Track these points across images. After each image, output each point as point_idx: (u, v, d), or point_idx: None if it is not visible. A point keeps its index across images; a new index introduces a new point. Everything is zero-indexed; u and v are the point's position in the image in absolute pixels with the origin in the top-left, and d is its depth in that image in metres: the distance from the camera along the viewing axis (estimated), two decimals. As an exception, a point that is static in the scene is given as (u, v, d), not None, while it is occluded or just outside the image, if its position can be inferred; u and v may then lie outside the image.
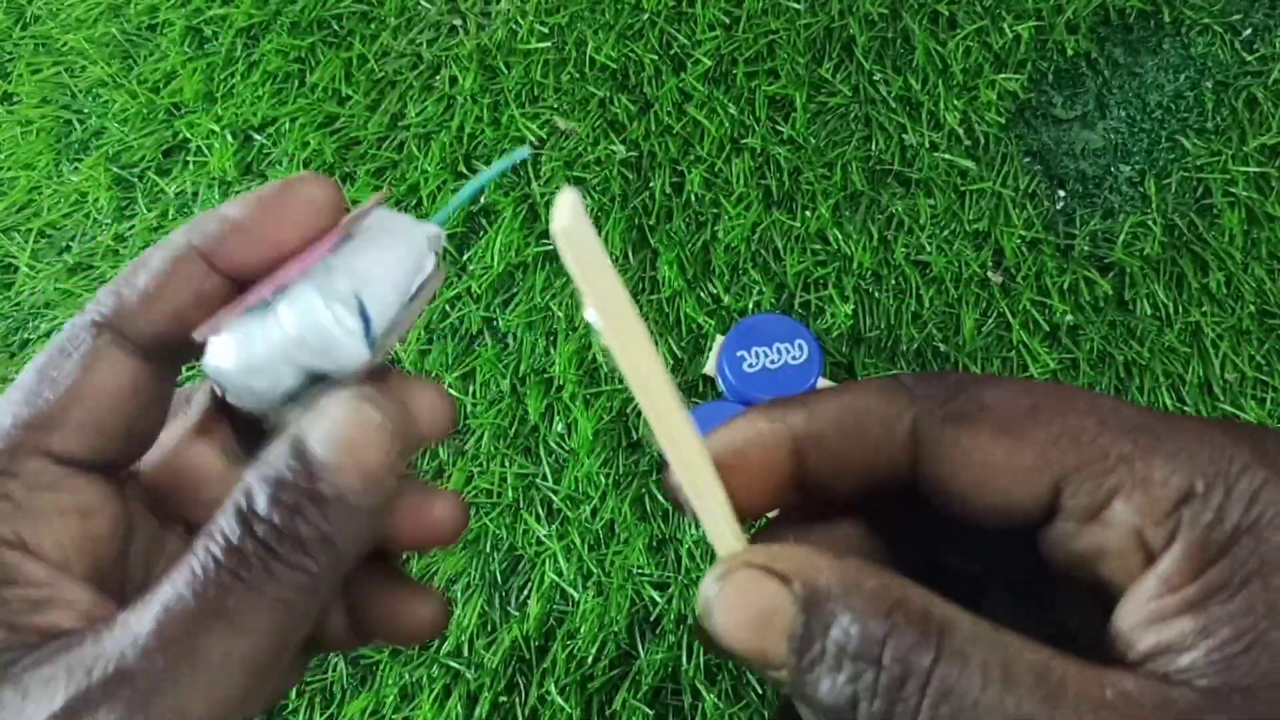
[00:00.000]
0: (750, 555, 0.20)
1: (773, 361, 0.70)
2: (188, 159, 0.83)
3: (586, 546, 0.70)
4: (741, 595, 0.19)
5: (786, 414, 0.22)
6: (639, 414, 0.73)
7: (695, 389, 0.74)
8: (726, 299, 0.75)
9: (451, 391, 0.73)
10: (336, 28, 0.86)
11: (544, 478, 0.71)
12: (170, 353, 0.25)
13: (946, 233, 0.77)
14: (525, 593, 0.69)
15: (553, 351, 0.76)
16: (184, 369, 0.27)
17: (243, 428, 0.27)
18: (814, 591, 0.19)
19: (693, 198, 0.78)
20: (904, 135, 0.80)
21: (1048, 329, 0.74)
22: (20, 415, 0.22)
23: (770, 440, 0.22)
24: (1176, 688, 0.17)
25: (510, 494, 0.71)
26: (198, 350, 0.23)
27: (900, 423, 0.21)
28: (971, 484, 0.20)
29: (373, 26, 0.86)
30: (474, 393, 0.73)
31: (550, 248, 0.77)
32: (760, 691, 0.65)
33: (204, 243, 0.24)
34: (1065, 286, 0.75)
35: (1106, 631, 0.20)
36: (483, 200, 0.79)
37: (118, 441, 0.24)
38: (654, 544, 0.69)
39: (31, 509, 0.22)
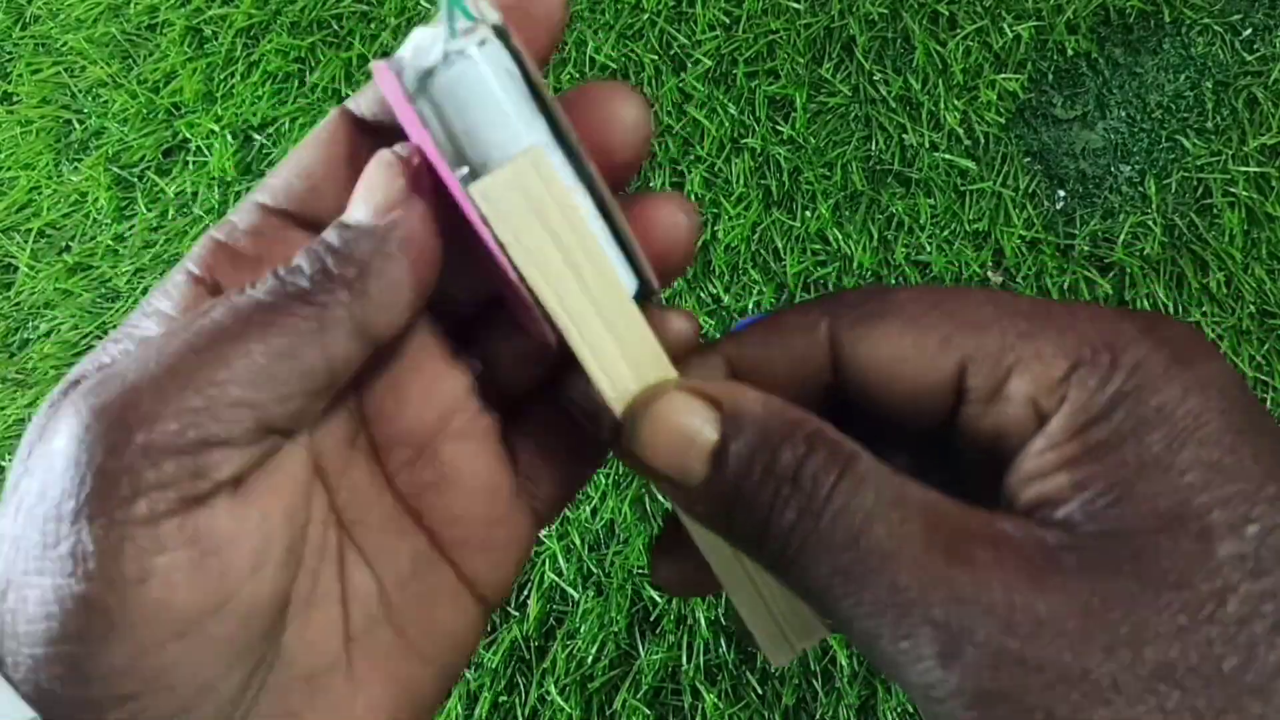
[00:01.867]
0: (683, 381, 0.22)
1: (773, 361, 0.69)
2: (188, 159, 0.83)
3: (586, 546, 0.70)
4: (671, 414, 0.21)
5: (720, 345, 0.24)
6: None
7: (695, 389, 0.74)
8: (726, 299, 0.75)
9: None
10: (336, 28, 0.86)
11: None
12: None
13: (946, 233, 0.77)
14: (525, 593, 0.69)
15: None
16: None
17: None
18: (740, 415, 0.20)
19: (693, 197, 0.78)
20: (904, 135, 0.80)
21: (1048, 329, 0.74)
22: (267, 180, 0.24)
23: (708, 364, 0.24)
24: (1049, 530, 0.18)
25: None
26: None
27: (818, 330, 0.23)
28: (884, 376, 0.21)
29: (373, 26, 0.86)
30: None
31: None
32: (760, 692, 0.65)
33: None
34: (1065, 286, 0.75)
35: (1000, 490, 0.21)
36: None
37: (336, 208, 0.25)
38: (654, 544, 0.69)
39: (240, 249, 0.23)
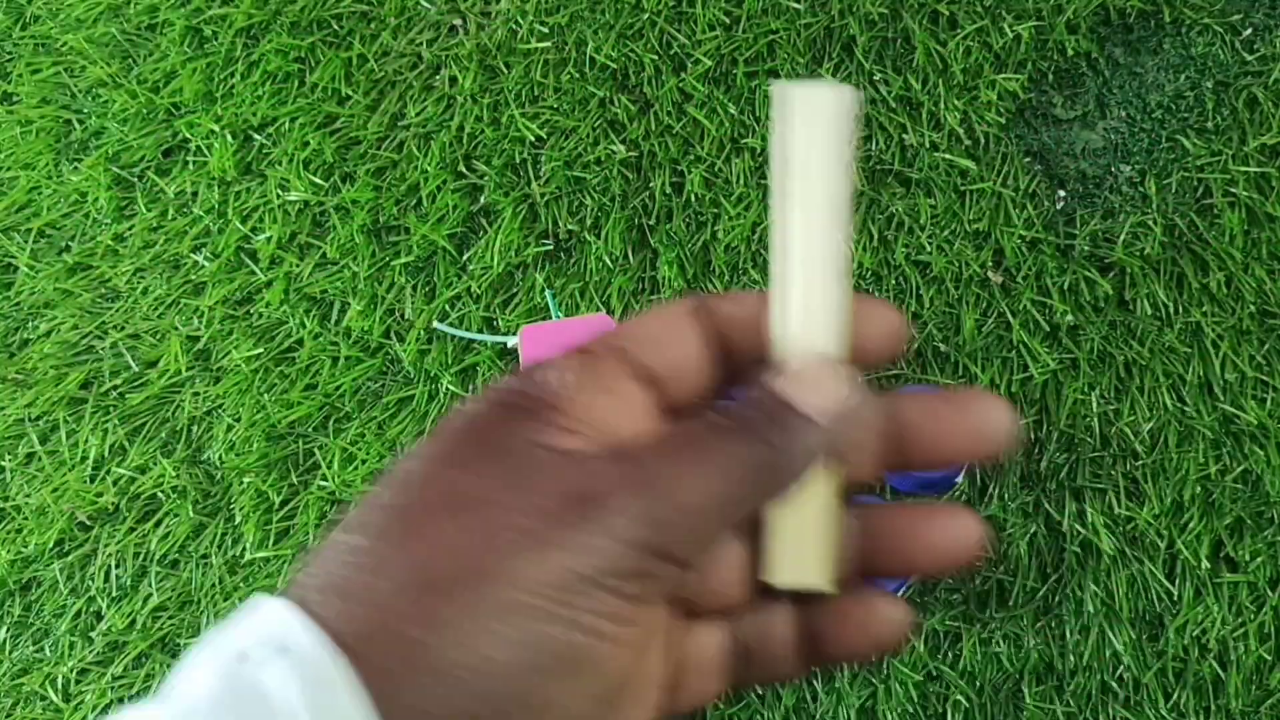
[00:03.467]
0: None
1: (773, 361, 0.69)
2: (187, 159, 0.83)
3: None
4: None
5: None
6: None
7: (695, 389, 0.74)
8: (726, 299, 0.75)
9: (452, 389, 0.73)
10: (336, 28, 0.86)
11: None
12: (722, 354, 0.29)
13: (947, 233, 0.77)
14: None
15: (553, 351, 0.76)
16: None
17: None
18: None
19: (693, 198, 0.78)
20: (904, 135, 0.80)
21: (1048, 329, 0.74)
22: (620, 329, 0.28)
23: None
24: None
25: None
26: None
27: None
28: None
29: (373, 26, 0.86)
30: (475, 392, 0.73)
31: (548, 247, 0.77)
32: (760, 692, 0.65)
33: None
34: (1065, 286, 0.75)
35: None
36: (482, 200, 0.79)
37: (672, 370, 0.28)
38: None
39: (596, 375, 0.26)
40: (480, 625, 0.21)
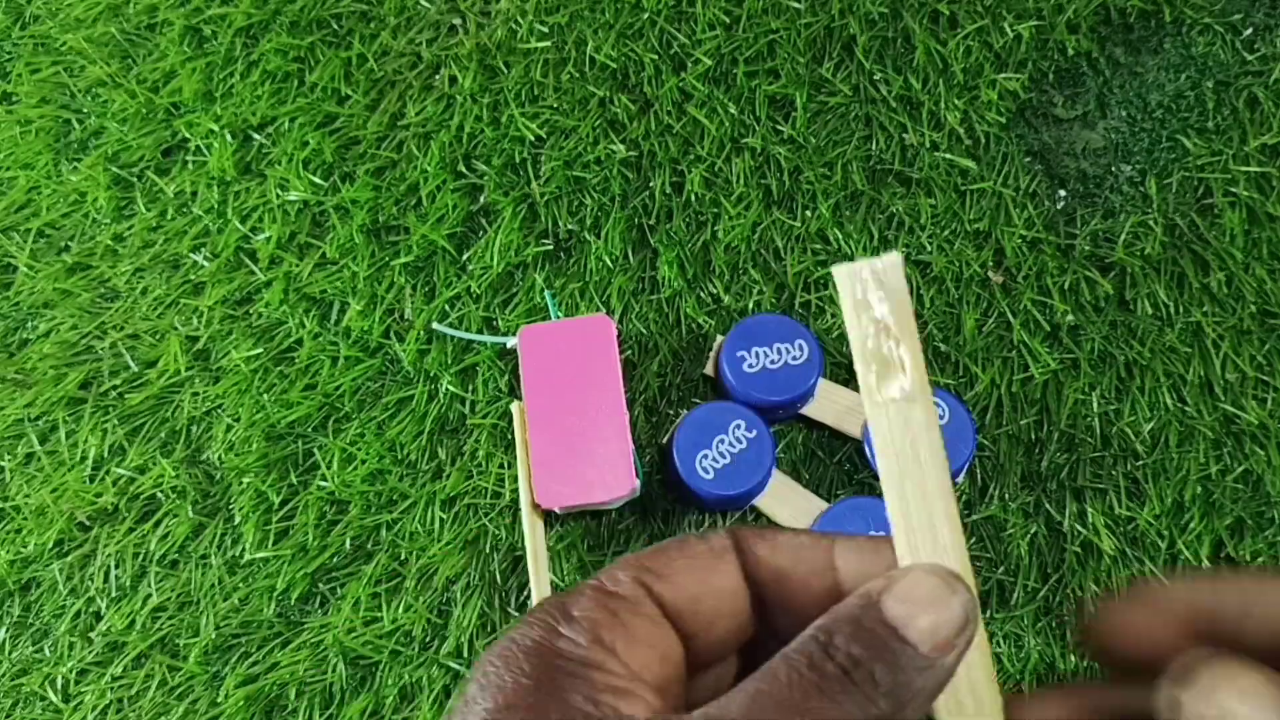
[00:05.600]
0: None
1: (773, 362, 0.69)
2: (187, 159, 0.82)
3: (586, 546, 0.70)
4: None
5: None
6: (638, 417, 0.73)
7: (696, 389, 0.74)
8: (726, 299, 0.75)
9: (451, 389, 0.73)
10: (336, 27, 0.86)
11: (544, 478, 0.71)
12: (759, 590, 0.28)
13: (947, 232, 0.77)
14: (525, 593, 0.69)
15: (552, 351, 0.76)
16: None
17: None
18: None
19: (693, 198, 0.78)
20: (904, 135, 0.80)
21: (1048, 329, 0.74)
22: (646, 559, 0.27)
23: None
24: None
25: (510, 494, 0.71)
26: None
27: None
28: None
29: (372, 26, 0.86)
30: (474, 392, 0.73)
31: (548, 247, 0.77)
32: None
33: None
34: (1066, 286, 0.75)
35: None
36: (482, 200, 0.79)
37: (703, 621, 0.27)
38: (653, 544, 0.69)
39: (629, 627, 0.25)
40: None
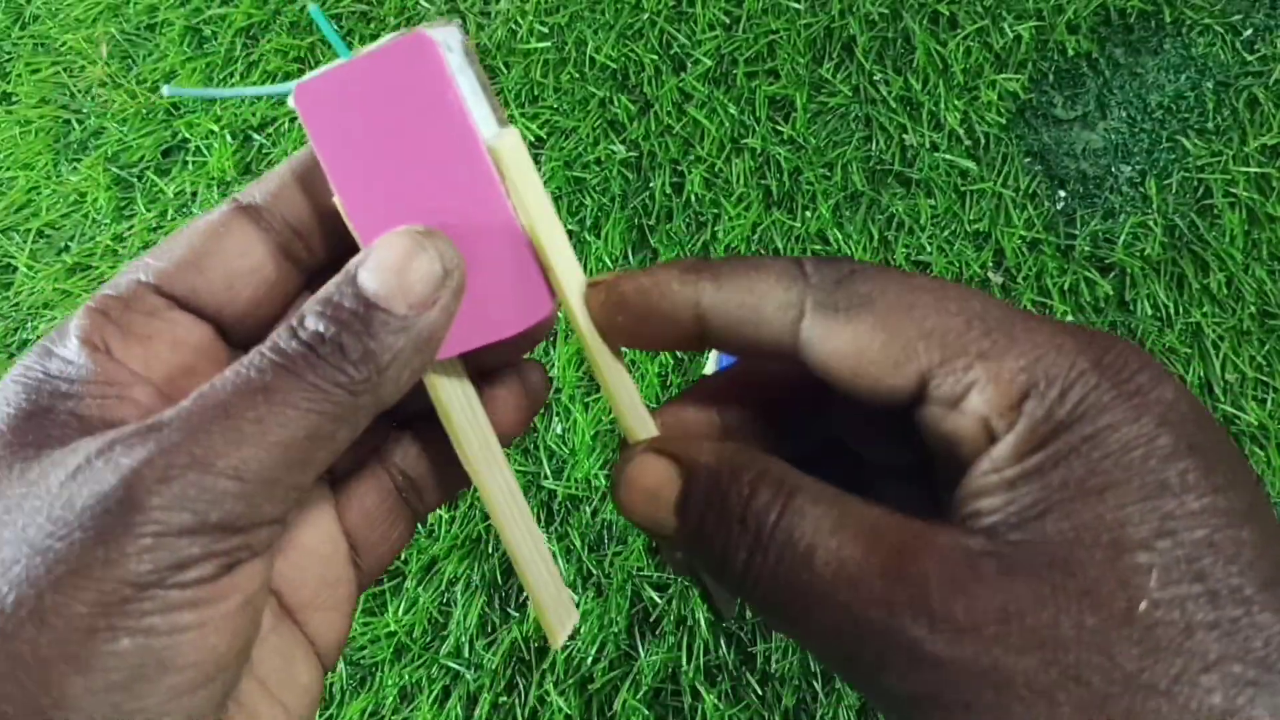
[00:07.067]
0: (647, 442, 0.25)
1: (773, 362, 0.69)
2: (187, 159, 0.82)
3: (586, 547, 0.70)
4: (639, 474, 0.24)
5: (698, 278, 0.25)
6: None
7: (695, 389, 0.74)
8: (726, 299, 0.75)
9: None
10: (336, 28, 0.86)
11: (544, 478, 0.71)
12: (297, 247, 0.27)
13: (947, 233, 0.77)
14: (525, 593, 0.69)
15: (552, 353, 0.76)
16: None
17: None
18: (695, 467, 0.23)
19: (693, 198, 0.78)
20: (904, 135, 0.80)
21: (1048, 329, 0.74)
22: (148, 254, 0.25)
23: (678, 301, 0.25)
24: (973, 536, 0.20)
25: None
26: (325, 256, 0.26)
27: (792, 309, 0.24)
28: (847, 370, 0.23)
29: (372, 26, 0.86)
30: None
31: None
32: (760, 693, 0.65)
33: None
34: (1066, 287, 0.75)
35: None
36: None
37: (222, 297, 0.26)
38: (653, 545, 0.69)
39: (124, 325, 0.24)
40: (60, 673, 0.18)
